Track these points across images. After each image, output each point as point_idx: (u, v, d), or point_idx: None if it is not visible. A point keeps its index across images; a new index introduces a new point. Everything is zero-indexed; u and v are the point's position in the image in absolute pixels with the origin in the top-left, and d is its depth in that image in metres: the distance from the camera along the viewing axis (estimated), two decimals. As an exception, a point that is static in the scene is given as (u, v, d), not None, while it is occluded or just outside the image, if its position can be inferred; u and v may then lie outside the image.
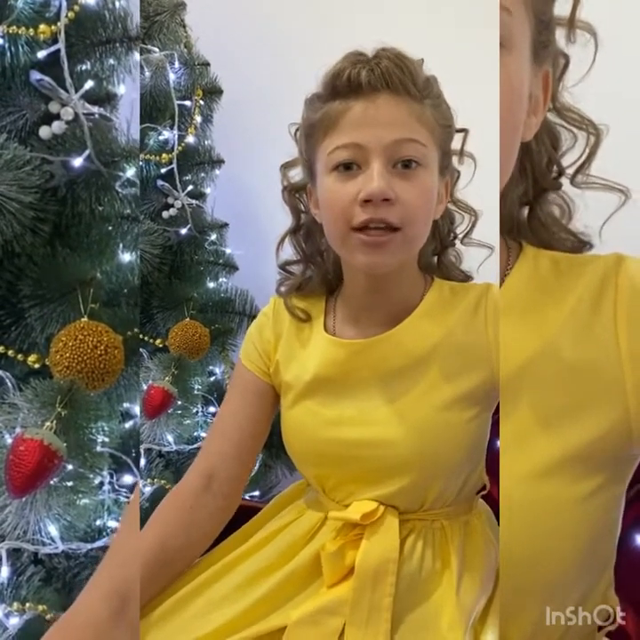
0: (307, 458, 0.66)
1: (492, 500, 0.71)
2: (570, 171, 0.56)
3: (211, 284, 1.38)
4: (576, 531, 0.49)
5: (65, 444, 0.70)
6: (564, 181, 0.57)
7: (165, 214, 1.28)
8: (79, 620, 0.49)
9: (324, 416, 0.63)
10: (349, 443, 0.61)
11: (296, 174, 0.70)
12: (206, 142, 1.37)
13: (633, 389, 0.47)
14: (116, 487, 0.83)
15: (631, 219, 0.53)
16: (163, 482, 1.10)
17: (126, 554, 0.53)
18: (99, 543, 0.78)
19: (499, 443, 0.75)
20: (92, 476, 0.76)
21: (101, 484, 0.81)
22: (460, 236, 0.71)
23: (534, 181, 0.57)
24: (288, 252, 0.73)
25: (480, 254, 0.69)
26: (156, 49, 1.21)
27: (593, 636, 0.54)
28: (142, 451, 1.10)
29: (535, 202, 0.57)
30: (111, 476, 0.83)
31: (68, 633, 0.48)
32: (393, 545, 0.59)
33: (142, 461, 1.09)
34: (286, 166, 0.70)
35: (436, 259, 0.72)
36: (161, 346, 1.22)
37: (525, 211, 0.58)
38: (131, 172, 0.86)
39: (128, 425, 0.94)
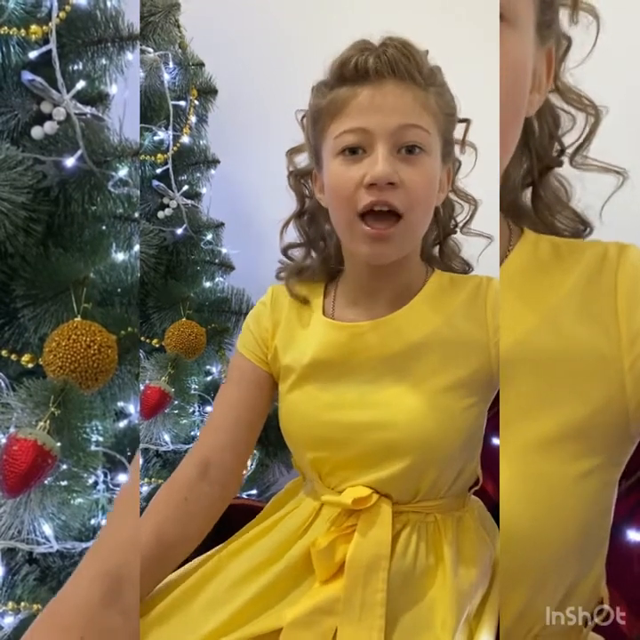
0: (304, 442, 0.66)
1: (487, 497, 0.71)
2: (569, 151, 0.57)
3: (207, 284, 1.38)
4: (571, 511, 0.50)
5: (59, 444, 0.70)
6: (563, 160, 0.58)
7: (161, 214, 1.28)
8: (68, 603, 0.47)
9: (323, 399, 0.64)
10: (348, 425, 0.61)
11: (302, 160, 0.70)
12: (201, 142, 1.38)
13: (629, 367, 0.48)
14: (111, 486, 0.83)
15: (630, 200, 0.55)
16: (160, 481, 1.11)
17: (119, 538, 0.52)
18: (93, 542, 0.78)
19: (495, 440, 0.76)
20: (86, 475, 0.76)
21: (96, 483, 0.81)
22: (460, 224, 0.72)
23: (538, 159, 0.58)
24: (290, 238, 0.74)
25: (480, 243, 0.70)
26: (151, 49, 1.21)
27: (580, 629, 0.54)
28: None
29: (539, 181, 0.58)
30: (105, 475, 0.83)
31: (57, 617, 0.47)
32: (385, 540, 0.59)
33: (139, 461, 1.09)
34: (292, 152, 0.71)
35: (436, 249, 0.73)
36: (157, 346, 1.22)
37: (528, 193, 0.59)
38: (123, 172, 0.86)
39: (122, 424, 0.94)
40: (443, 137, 0.60)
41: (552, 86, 0.55)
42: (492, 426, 0.68)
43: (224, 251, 1.42)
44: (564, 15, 0.52)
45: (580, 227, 0.58)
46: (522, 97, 0.50)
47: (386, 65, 0.55)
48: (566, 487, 0.50)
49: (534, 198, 0.59)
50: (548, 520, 0.50)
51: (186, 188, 1.31)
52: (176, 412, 1.18)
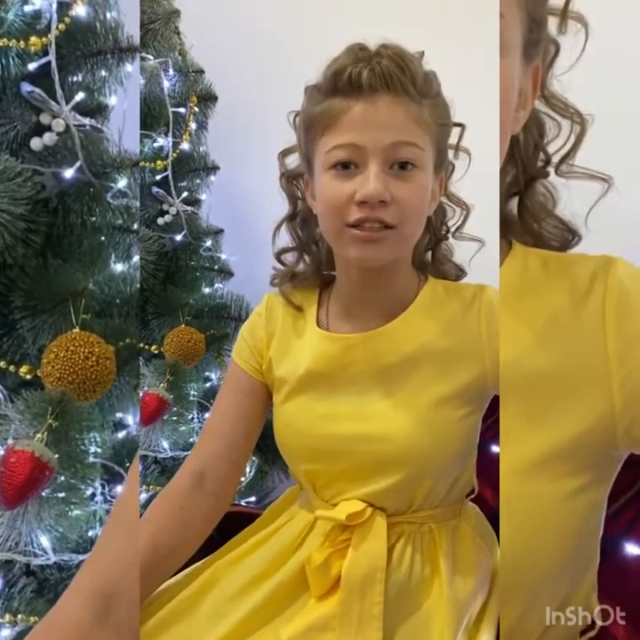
0: (299, 454, 0.66)
1: (485, 504, 0.71)
2: (554, 159, 0.56)
3: (206, 290, 1.39)
4: (562, 528, 0.50)
5: (56, 456, 0.71)
6: (549, 171, 0.57)
7: (160, 221, 1.29)
8: (61, 620, 0.48)
9: (318, 411, 0.64)
10: (342, 437, 0.61)
11: (293, 161, 0.69)
12: (201, 149, 1.38)
13: (618, 386, 0.48)
14: (108, 498, 0.83)
15: (616, 207, 0.54)
16: (158, 488, 1.11)
17: (112, 553, 0.52)
18: (91, 554, 0.78)
19: (492, 447, 0.76)
20: (83, 486, 0.76)
21: (93, 494, 0.81)
22: (453, 229, 0.71)
23: (523, 170, 0.57)
24: (283, 243, 0.73)
25: (474, 248, 0.69)
26: (151, 57, 1.21)
27: (575, 638, 0.55)
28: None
29: (524, 191, 0.58)
30: (103, 487, 0.83)
31: (50, 633, 0.47)
32: (380, 553, 0.58)
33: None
34: (284, 153, 0.70)
35: (429, 254, 0.72)
36: (156, 352, 1.23)
37: (513, 203, 0.59)
38: (122, 183, 0.86)
39: (121, 435, 0.94)
40: (436, 148, 0.59)
41: (538, 93, 0.54)
42: (491, 434, 0.68)
43: (223, 257, 1.43)
44: (552, 24, 0.51)
45: (568, 236, 0.57)
46: (508, 119, 0.49)
47: (380, 78, 0.54)
48: (556, 506, 0.50)
49: (521, 208, 0.58)
50: (541, 537, 0.50)
51: (185, 194, 1.31)
52: (175, 418, 1.18)
